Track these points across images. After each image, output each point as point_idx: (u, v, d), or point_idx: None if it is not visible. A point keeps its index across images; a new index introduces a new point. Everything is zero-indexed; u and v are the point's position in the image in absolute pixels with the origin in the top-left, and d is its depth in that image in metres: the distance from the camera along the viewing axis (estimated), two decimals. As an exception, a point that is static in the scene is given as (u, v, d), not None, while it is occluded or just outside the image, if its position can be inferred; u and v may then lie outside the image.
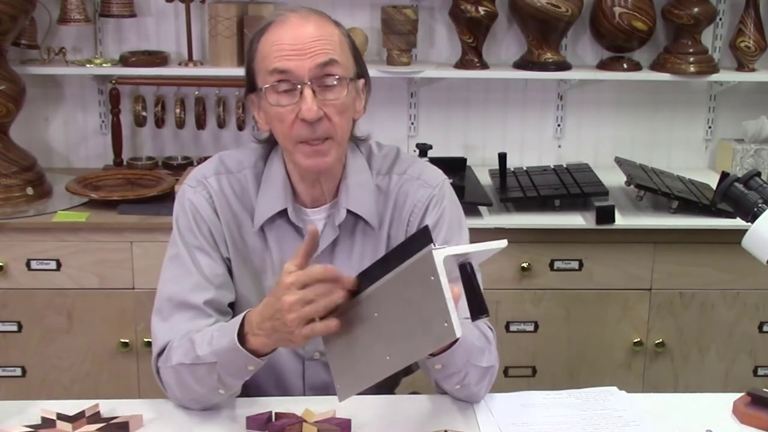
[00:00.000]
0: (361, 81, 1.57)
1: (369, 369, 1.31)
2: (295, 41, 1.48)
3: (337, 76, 1.49)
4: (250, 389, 1.68)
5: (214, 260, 1.59)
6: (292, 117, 1.49)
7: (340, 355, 1.36)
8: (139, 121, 3.01)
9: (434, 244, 1.19)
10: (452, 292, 1.20)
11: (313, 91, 1.47)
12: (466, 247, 1.23)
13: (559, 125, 3.18)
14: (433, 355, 1.44)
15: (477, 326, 1.55)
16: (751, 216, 1.52)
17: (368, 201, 1.61)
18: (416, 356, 1.27)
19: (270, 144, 1.64)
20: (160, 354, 1.54)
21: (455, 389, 1.55)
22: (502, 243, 1.25)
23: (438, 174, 1.68)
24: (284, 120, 1.50)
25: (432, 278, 1.18)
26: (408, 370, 1.77)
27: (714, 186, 2.53)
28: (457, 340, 1.39)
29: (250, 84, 1.56)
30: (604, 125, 3.20)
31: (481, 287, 1.25)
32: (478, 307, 1.23)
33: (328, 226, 1.61)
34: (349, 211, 1.60)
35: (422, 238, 1.21)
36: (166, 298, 1.57)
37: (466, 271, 1.23)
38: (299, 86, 1.47)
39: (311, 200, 1.62)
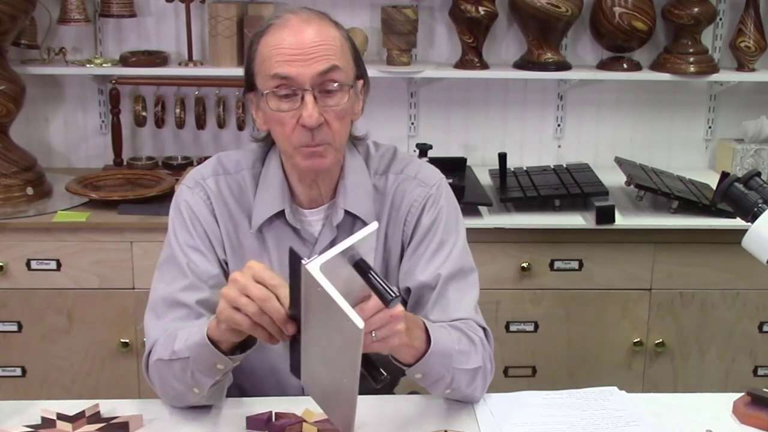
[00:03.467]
0: (360, 82, 1.56)
1: (343, 397, 1.32)
2: (296, 46, 1.46)
3: (338, 83, 1.48)
4: (250, 389, 1.68)
5: (208, 261, 1.59)
6: (293, 122, 1.48)
7: (323, 399, 1.38)
8: (139, 121, 3.01)
9: (305, 259, 1.20)
10: (394, 312, 1.26)
11: (314, 97, 1.47)
12: (338, 247, 1.22)
13: (559, 125, 3.18)
14: (408, 365, 1.45)
15: (460, 328, 1.54)
16: (751, 216, 1.52)
17: (365, 201, 1.61)
18: (355, 365, 1.25)
19: (268, 143, 1.64)
20: (151, 352, 1.54)
21: (447, 393, 1.55)
22: (373, 225, 1.26)
23: (435, 173, 1.67)
24: (285, 124, 1.49)
25: (319, 290, 1.19)
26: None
27: (714, 186, 2.53)
28: (429, 347, 1.43)
29: (249, 84, 1.56)
30: (604, 125, 3.19)
31: (379, 275, 1.24)
32: (384, 294, 1.23)
33: (325, 226, 1.61)
34: (346, 212, 1.60)
35: (294, 261, 1.23)
36: (159, 297, 1.57)
37: (360, 268, 1.24)
38: (300, 92, 1.47)
39: (309, 201, 1.61)
